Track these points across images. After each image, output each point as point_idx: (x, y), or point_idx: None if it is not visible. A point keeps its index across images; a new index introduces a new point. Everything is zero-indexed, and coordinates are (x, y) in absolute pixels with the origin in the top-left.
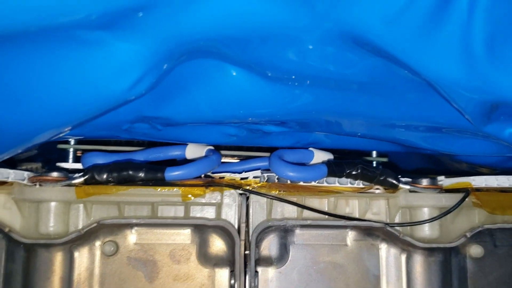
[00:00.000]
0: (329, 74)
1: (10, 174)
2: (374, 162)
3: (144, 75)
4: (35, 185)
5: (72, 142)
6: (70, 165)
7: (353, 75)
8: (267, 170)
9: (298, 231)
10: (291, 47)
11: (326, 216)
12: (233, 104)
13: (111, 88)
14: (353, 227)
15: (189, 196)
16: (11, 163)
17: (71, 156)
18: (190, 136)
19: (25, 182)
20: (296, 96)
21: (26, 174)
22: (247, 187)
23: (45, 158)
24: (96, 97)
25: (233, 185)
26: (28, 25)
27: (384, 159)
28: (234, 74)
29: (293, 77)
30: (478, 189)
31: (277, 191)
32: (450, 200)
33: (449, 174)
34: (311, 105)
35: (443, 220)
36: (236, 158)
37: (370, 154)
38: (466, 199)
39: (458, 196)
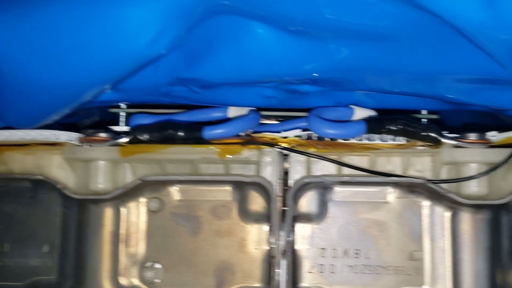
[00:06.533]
0: (360, 27)
1: (61, 135)
2: (424, 121)
3: (162, 31)
4: (85, 145)
5: (124, 107)
6: (120, 127)
7: (385, 27)
8: (307, 129)
9: (337, 188)
10: None
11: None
12: (261, 62)
13: (130, 45)
14: (395, 184)
15: (226, 154)
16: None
17: (121, 119)
18: (228, 99)
19: (75, 142)
20: (327, 51)
21: (75, 135)
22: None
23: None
24: (120, 54)
25: (271, 143)
26: None
27: (434, 116)
28: (260, 31)
29: (320, 31)
30: None
31: (316, 149)
32: (500, 155)
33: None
34: (346, 61)
35: (493, 176)
36: (276, 119)
37: (419, 113)
38: None
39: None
